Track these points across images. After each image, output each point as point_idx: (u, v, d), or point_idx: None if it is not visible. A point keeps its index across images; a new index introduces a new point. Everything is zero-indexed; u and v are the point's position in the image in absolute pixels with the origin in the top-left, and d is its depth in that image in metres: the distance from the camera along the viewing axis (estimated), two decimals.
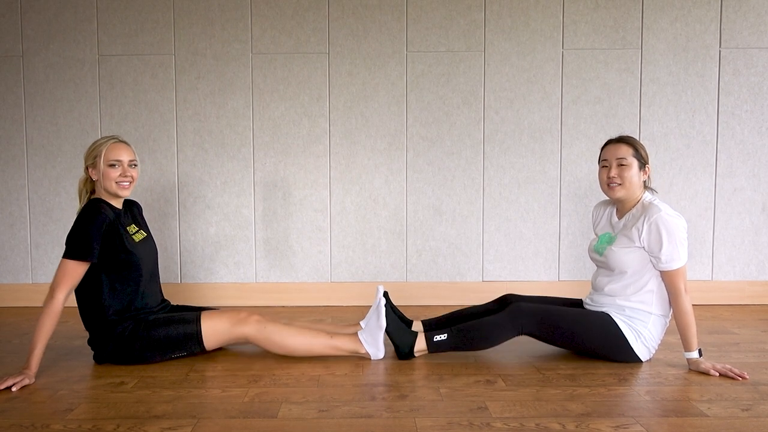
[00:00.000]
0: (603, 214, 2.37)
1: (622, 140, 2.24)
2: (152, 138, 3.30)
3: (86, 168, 2.23)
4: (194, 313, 2.25)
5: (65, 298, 2.07)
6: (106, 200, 2.25)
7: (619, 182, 2.20)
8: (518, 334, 2.23)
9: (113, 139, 2.24)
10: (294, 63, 3.28)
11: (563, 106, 3.30)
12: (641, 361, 2.21)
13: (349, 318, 2.98)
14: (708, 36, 3.27)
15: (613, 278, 2.23)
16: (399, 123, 3.30)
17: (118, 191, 2.21)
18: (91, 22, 3.28)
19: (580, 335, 2.20)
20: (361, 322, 2.32)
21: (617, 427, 1.63)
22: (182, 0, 3.26)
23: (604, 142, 2.33)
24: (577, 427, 1.63)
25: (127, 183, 2.22)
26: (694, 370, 2.13)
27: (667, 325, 2.22)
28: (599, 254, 2.27)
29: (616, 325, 2.16)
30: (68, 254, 2.09)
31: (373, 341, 2.24)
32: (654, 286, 2.16)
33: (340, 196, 3.33)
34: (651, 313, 2.16)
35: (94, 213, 2.13)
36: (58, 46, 3.28)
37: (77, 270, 2.09)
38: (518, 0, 3.26)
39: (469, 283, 3.34)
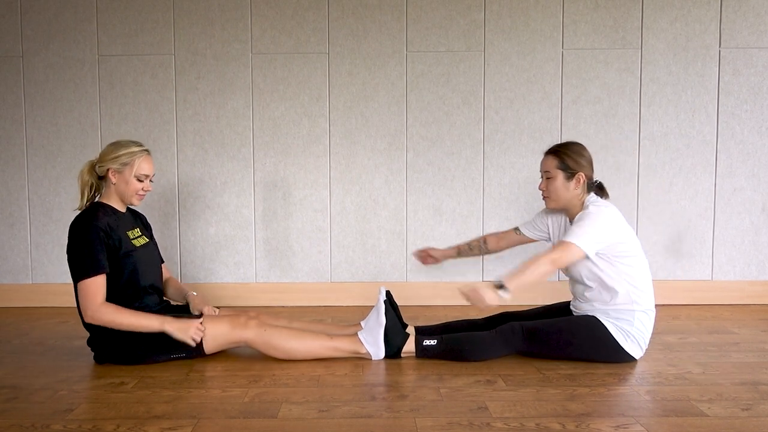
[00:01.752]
0: (556, 222, 2.38)
1: (551, 151, 2.26)
2: (152, 138, 3.30)
3: (106, 169, 2.21)
4: (197, 315, 2.25)
5: (102, 305, 2.11)
6: (111, 204, 2.26)
7: (546, 195, 2.25)
8: (509, 353, 2.25)
9: (146, 150, 2.27)
10: (294, 63, 3.29)
11: (563, 106, 3.30)
12: (635, 360, 2.21)
13: (349, 318, 2.98)
14: (708, 36, 3.27)
15: (586, 287, 2.23)
16: (399, 123, 3.30)
17: (132, 202, 2.27)
18: (91, 22, 3.28)
19: (570, 346, 2.20)
20: (362, 322, 2.33)
21: (617, 427, 1.63)
22: (182, 0, 3.26)
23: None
24: (577, 427, 1.63)
25: (143, 195, 2.29)
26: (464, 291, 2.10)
27: (653, 320, 2.20)
28: (563, 271, 2.30)
29: (604, 327, 2.15)
30: (82, 275, 2.10)
31: (374, 340, 2.23)
32: (626, 283, 2.14)
33: (340, 196, 3.33)
34: (634, 310, 2.15)
35: (87, 227, 2.13)
36: (58, 46, 3.28)
37: (97, 284, 2.11)
38: (518, 0, 3.26)
39: (469, 283, 3.34)
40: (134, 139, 3.27)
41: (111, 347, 2.18)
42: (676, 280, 3.33)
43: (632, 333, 2.15)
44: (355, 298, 3.34)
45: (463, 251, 2.60)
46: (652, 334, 2.56)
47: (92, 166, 2.25)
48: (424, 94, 3.29)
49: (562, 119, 3.30)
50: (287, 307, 3.33)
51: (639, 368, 2.15)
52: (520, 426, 1.64)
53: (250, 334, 2.20)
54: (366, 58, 3.28)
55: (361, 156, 3.32)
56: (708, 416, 1.71)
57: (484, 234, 2.62)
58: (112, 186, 2.24)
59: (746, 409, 1.76)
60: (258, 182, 3.33)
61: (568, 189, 2.20)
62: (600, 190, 2.27)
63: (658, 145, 3.31)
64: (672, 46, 3.28)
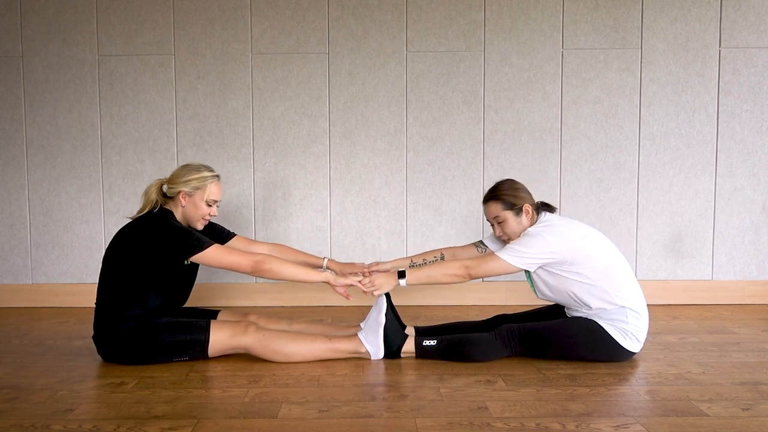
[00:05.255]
0: None
1: (489, 198, 2.31)
2: (152, 138, 3.30)
3: (178, 191, 2.24)
4: (204, 321, 2.25)
5: (259, 261, 2.16)
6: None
7: (506, 238, 2.31)
8: (509, 355, 2.25)
9: (217, 176, 2.31)
10: (294, 63, 3.28)
11: (563, 106, 3.30)
12: (634, 354, 2.21)
13: (349, 318, 2.98)
14: (708, 35, 3.27)
15: (568, 304, 2.25)
16: (399, 123, 3.30)
17: (197, 226, 2.31)
18: (91, 22, 3.28)
19: (570, 348, 2.20)
20: (361, 324, 2.33)
21: (617, 427, 1.63)
22: (182, 0, 3.26)
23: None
24: (577, 427, 1.63)
25: (208, 220, 2.33)
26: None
27: (646, 313, 2.20)
28: (536, 295, 2.33)
29: (602, 328, 2.15)
30: (198, 248, 2.12)
31: (374, 339, 2.24)
32: (602, 288, 2.15)
33: (340, 196, 3.33)
34: (625, 307, 2.15)
35: (171, 220, 2.20)
36: (58, 46, 3.28)
37: (221, 250, 2.16)
38: (518, 0, 3.26)
39: (469, 284, 3.33)
40: (135, 139, 3.28)
41: (116, 346, 2.18)
42: (676, 280, 3.33)
43: (629, 330, 2.15)
44: (355, 298, 3.33)
45: (416, 264, 2.53)
46: (653, 334, 2.58)
47: (160, 186, 2.28)
48: (424, 94, 3.29)
49: (562, 119, 3.30)
50: (287, 307, 3.33)
51: (639, 368, 2.15)
52: (520, 426, 1.64)
53: (249, 340, 2.20)
54: (366, 58, 3.28)
55: (361, 156, 3.32)
56: (708, 416, 1.71)
57: (441, 248, 2.60)
58: (180, 208, 2.27)
59: (746, 409, 1.76)
60: (258, 182, 3.33)
61: (521, 223, 2.27)
62: (547, 207, 2.32)
63: (658, 145, 3.30)
64: (672, 45, 3.27)
